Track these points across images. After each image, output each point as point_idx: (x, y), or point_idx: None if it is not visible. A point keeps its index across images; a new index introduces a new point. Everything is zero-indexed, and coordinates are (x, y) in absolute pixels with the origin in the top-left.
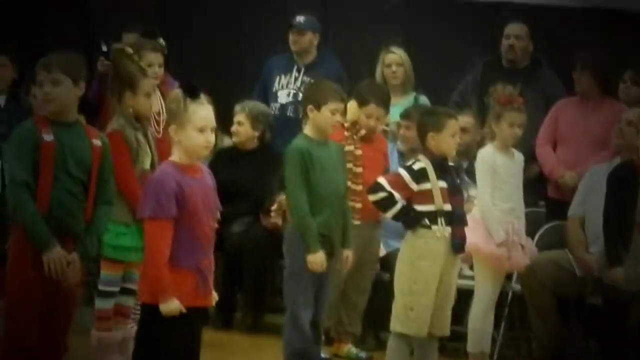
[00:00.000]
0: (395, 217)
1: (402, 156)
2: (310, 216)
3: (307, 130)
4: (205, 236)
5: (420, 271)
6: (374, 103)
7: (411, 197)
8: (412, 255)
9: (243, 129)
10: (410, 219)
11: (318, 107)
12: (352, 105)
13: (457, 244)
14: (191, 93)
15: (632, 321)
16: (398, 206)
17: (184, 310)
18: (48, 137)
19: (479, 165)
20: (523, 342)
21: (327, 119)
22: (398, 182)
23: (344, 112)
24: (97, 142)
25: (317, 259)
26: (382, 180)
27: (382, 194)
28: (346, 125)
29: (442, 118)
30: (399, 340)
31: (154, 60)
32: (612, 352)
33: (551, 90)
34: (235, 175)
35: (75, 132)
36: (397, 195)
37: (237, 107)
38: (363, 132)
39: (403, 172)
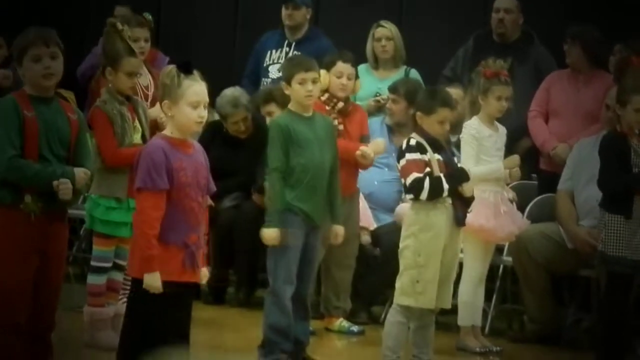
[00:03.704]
0: (429, 195)
1: (390, 130)
2: (277, 193)
3: (291, 105)
4: (192, 212)
5: (423, 244)
6: (340, 60)
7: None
8: (415, 228)
9: (249, 123)
10: (437, 190)
11: (289, 83)
12: (321, 74)
13: (459, 216)
14: (185, 69)
15: (635, 292)
16: (426, 183)
17: (160, 290)
18: (30, 113)
19: (465, 136)
20: (515, 315)
21: (298, 92)
22: (418, 164)
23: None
24: (73, 117)
25: (269, 235)
26: (415, 175)
27: (426, 184)
28: (323, 99)
29: (434, 103)
30: (400, 313)
31: (139, 35)
32: (610, 323)
33: (542, 64)
34: (228, 151)
35: (53, 108)
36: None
37: (233, 107)
38: (341, 104)
39: (410, 155)
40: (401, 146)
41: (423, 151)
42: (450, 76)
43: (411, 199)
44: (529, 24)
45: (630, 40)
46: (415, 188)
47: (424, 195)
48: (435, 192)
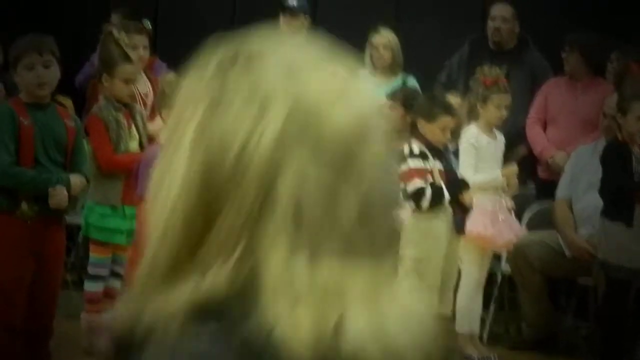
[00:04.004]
0: (431, 204)
1: None
2: None
3: None
4: None
5: (424, 252)
6: None
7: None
8: (416, 236)
9: None
10: (438, 199)
11: None
12: None
13: (459, 224)
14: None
15: (633, 298)
16: (428, 193)
17: None
18: (26, 120)
19: (464, 145)
20: (513, 322)
21: None
22: (420, 172)
23: None
24: (70, 123)
25: None
26: (417, 184)
27: (427, 193)
28: None
29: (437, 110)
30: None
31: (138, 43)
32: (609, 330)
33: (537, 70)
34: None
35: (50, 114)
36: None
37: None
38: None
39: (413, 162)
40: (402, 151)
41: (425, 158)
42: (445, 82)
43: (412, 208)
44: (526, 30)
45: (625, 47)
46: (417, 197)
47: (425, 204)
48: (436, 201)
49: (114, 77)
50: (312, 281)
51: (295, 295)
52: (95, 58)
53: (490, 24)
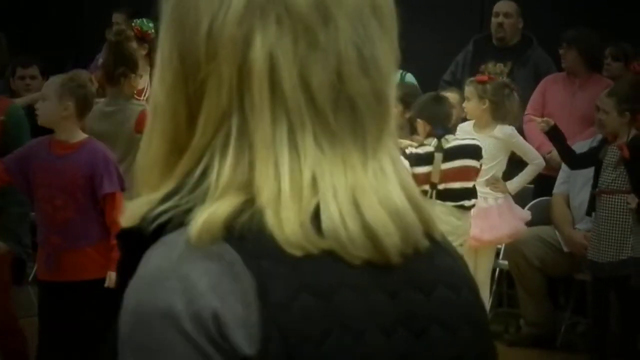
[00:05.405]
0: None
1: None
2: None
3: None
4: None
5: None
6: None
7: None
8: None
9: None
10: None
11: None
12: None
13: None
14: None
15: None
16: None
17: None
18: None
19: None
20: (511, 319)
21: None
22: (422, 179)
23: None
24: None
25: None
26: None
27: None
28: None
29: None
30: None
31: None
32: (595, 325)
33: (541, 68)
34: None
35: None
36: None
37: None
38: None
39: (418, 169)
40: (406, 151)
41: (430, 163)
42: (449, 80)
43: None
44: (528, 29)
45: (619, 43)
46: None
47: None
48: None
49: (137, 74)
50: (293, 167)
51: (279, 187)
52: (100, 58)
53: (494, 20)
